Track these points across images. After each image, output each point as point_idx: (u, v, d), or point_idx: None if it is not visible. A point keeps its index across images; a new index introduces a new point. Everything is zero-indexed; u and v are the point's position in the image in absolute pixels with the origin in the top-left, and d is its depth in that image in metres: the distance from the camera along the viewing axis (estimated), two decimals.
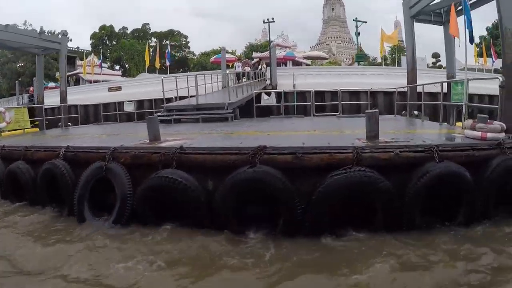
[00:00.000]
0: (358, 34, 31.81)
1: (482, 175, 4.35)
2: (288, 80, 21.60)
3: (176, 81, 13.45)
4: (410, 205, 4.14)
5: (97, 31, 59.41)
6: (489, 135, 4.85)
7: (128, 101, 15.64)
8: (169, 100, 14.35)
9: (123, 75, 45.20)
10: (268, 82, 22.14)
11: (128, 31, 63.71)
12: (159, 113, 11.87)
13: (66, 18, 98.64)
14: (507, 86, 6.52)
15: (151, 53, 32.34)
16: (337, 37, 65.13)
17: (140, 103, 16.91)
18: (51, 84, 32.11)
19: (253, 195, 4.29)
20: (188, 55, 63.82)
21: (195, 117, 10.95)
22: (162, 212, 4.69)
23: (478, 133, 4.99)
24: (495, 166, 4.34)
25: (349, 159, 4.11)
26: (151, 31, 64.51)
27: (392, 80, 18.49)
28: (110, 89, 23.72)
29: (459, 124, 8.25)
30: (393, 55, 35.76)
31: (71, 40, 44.38)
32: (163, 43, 60.98)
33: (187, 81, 13.88)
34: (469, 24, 8.14)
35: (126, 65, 54.59)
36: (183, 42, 64.18)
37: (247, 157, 4.30)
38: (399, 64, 28.86)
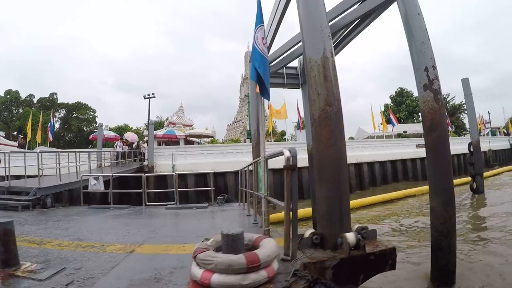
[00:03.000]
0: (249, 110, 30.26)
1: None
2: (169, 160, 20.36)
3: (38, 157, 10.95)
4: None
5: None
6: (215, 279, 2.37)
7: None
8: None
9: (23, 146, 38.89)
10: (146, 162, 20.85)
11: (35, 99, 58.78)
12: None
13: None
14: (319, 153, 4.02)
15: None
16: None
17: None
18: None
19: None
20: (95, 130, 58.43)
21: None
22: None
23: (198, 272, 2.51)
24: None
25: None
26: (58, 102, 59.90)
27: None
28: None
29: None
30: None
31: None
32: (71, 115, 57.87)
33: (68, 157, 13.45)
34: (255, 66, 4.99)
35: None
36: (91, 116, 60.01)
37: None
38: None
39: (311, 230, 3.77)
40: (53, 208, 9.64)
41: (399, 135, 32.38)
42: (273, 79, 10.36)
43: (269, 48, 8.90)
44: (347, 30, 7.89)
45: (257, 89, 6.03)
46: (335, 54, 8.73)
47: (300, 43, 8.52)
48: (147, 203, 10.18)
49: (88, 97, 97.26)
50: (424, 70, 5.19)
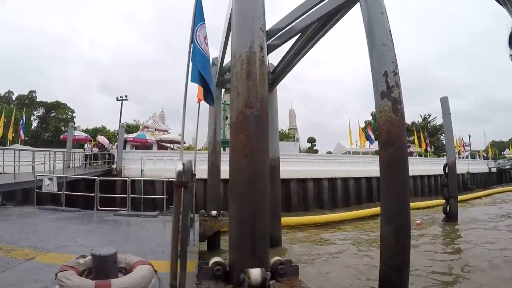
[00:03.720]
0: (226, 118, 29.32)
1: None
2: (138, 165, 19.76)
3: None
4: None
5: None
6: None
7: None
8: None
9: None
10: (115, 165, 20.23)
11: (14, 96, 57.24)
12: None
13: None
14: (232, 163, 3.36)
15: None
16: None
17: None
18: None
19: None
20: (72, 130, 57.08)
21: None
22: None
23: None
24: None
25: None
26: (37, 100, 58.58)
27: None
28: None
29: None
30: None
31: None
32: (49, 114, 56.50)
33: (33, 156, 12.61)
34: (198, 68, 4.39)
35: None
36: (69, 116, 58.07)
37: None
38: None
39: (217, 258, 3.06)
40: (3, 207, 9.50)
41: (377, 152, 32.11)
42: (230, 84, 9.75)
43: (224, 51, 8.22)
44: (314, 31, 7.22)
45: (198, 94, 5.27)
46: (301, 56, 8.10)
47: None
48: (99, 208, 9.70)
49: (71, 96, 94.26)
50: (383, 75, 4.43)
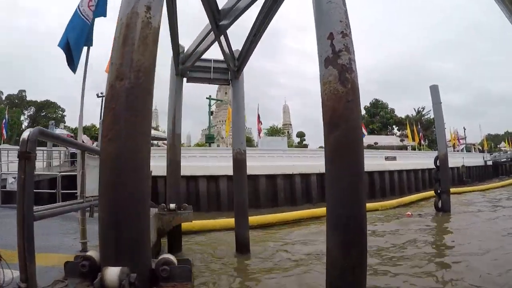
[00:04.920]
0: (211, 113, 28.35)
1: None
2: None
3: None
4: None
5: None
6: None
7: None
8: None
9: None
10: None
11: (4, 96, 57.58)
12: None
13: None
14: (100, 150, 2.59)
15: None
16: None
17: None
18: None
19: None
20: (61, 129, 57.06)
21: None
22: None
23: None
24: None
25: None
26: (27, 99, 58.64)
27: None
28: None
29: None
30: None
31: None
32: (40, 114, 56.28)
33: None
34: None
35: None
36: (59, 115, 58.43)
37: None
38: None
39: (90, 253, 2.47)
40: None
41: (369, 147, 31.35)
42: (197, 73, 9.14)
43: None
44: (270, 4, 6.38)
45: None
46: (261, 34, 7.21)
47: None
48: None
49: (64, 95, 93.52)
50: (327, 38, 3.47)
